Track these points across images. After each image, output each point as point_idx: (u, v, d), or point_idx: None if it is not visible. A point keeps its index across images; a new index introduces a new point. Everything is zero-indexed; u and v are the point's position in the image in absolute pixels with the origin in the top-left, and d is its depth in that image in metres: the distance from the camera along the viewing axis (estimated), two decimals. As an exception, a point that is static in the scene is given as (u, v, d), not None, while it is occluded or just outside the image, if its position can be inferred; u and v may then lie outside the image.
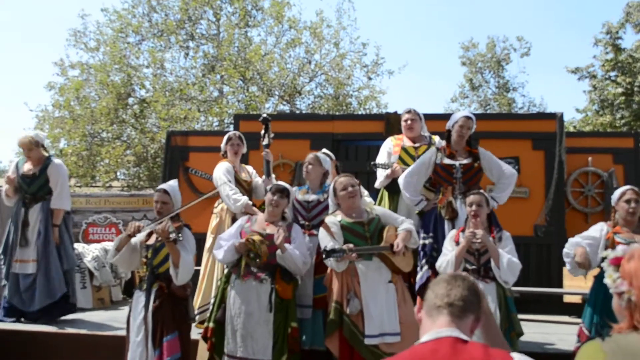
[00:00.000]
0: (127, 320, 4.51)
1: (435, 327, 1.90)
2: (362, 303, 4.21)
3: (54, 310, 5.98)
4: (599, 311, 4.29)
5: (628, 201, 4.33)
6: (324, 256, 4.23)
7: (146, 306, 4.30)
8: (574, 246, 4.44)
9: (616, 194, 4.44)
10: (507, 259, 4.28)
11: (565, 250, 4.51)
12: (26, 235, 5.91)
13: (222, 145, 5.68)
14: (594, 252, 4.35)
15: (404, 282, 4.52)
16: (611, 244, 4.29)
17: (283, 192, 4.52)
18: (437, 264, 4.54)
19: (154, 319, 4.28)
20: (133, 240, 4.45)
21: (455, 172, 5.01)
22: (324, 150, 5.49)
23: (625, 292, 1.81)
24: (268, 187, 4.74)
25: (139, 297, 4.40)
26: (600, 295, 4.28)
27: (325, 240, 4.33)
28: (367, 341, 4.14)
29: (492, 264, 4.31)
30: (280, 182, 4.79)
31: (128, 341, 4.42)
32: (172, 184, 4.65)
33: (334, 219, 4.41)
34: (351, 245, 4.22)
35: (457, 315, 1.91)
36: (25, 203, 5.97)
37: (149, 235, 4.49)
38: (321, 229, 4.42)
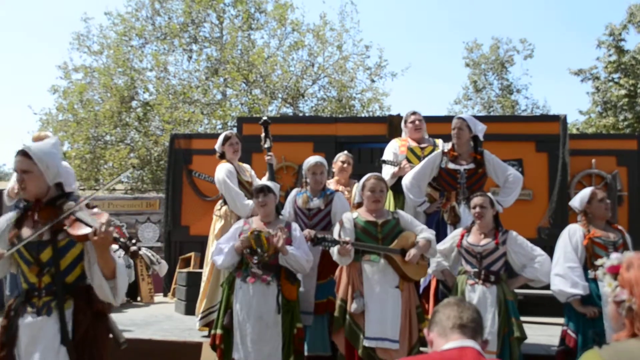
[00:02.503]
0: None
1: (454, 339, 1.99)
2: (365, 303, 4.20)
3: None
4: (582, 316, 4.29)
5: (602, 200, 4.40)
6: (314, 242, 4.22)
7: (65, 336, 2.84)
8: (572, 284, 4.24)
9: (584, 197, 4.42)
10: (539, 265, 4.37)
11: (561, 289, 4.29)
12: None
13: (218, 145, 5.62)
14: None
15: (415, 289, 4.42)
16: (590, 251, 4.29)
17: (264, 190, 4.46)
18: (430, 269, 4.59)
19: (77, 353, 2.86)
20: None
21: (460, 177, 5.02)
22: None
23: (625, 301, 1.80)
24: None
25: (35, 324, 2.85)
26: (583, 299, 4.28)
27: (335, 235, 4.34)
28: (365, 342, 4.13)
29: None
30: (259, 183, 4.78)
31: None
32: (38, 143, 3.10)
33: (350, 215, 4.40)
34: (348, 238, 4.18)
35: (470, 335, 2.02)
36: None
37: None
38: (337, 223, 4.42)
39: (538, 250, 4.45)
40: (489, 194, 4.58)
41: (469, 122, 5.09)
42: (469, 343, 1.96)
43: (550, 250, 4.51)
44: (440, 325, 2.05)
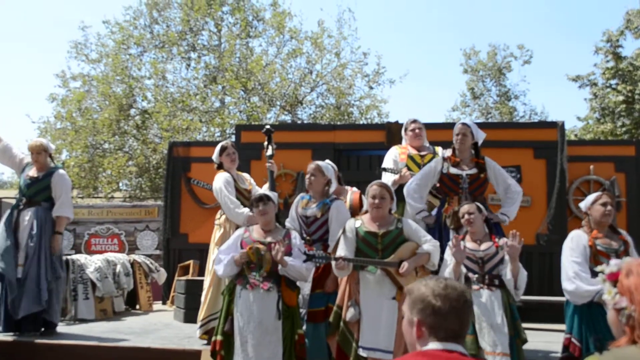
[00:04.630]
0: None
1: (439, 340, 1.94)
2: (360, 312, 4.22)
3: (38, 320, 5.83)
4: (585, 320, 4.26)
5: (605, 204, 4.33)
6: (304, 258, 4.23)
7: None
8: (580, 281, 4.18)
9: (589, 198, 4.43)
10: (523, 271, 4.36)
11: (574, 289, 4.23)
12: (17, 239, 5.80)
13: (215, 156, 5.64)
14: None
15: None
16: (594, 253, 4.27)
17: (263, 199, 4.47)
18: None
19: None
20: None
21: (462, 182, 5.05)
22: (327, 161, 5.53)
23: (625, 308, 1.79)
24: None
25: None
26: (584, 305, 4.27)
27: (338, 245, 4.36)
28: (358, 351, 4.15)
29: (508, 275, 4.32)
30: (257, 192, 4.79)
31: None
32: None
33: (353, 224, 4.40)
34: (341, 254, 4.21)
35: (463, 337, 1.97)
36: (19, 206, 5.94)
37: None
38: (341, 231, 4.43)
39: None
40: (476, 203, 4.60)
41: (472, 129, 5.13)
42: (453, 347, 1.92)
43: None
44: (430, 324, 1.95)
